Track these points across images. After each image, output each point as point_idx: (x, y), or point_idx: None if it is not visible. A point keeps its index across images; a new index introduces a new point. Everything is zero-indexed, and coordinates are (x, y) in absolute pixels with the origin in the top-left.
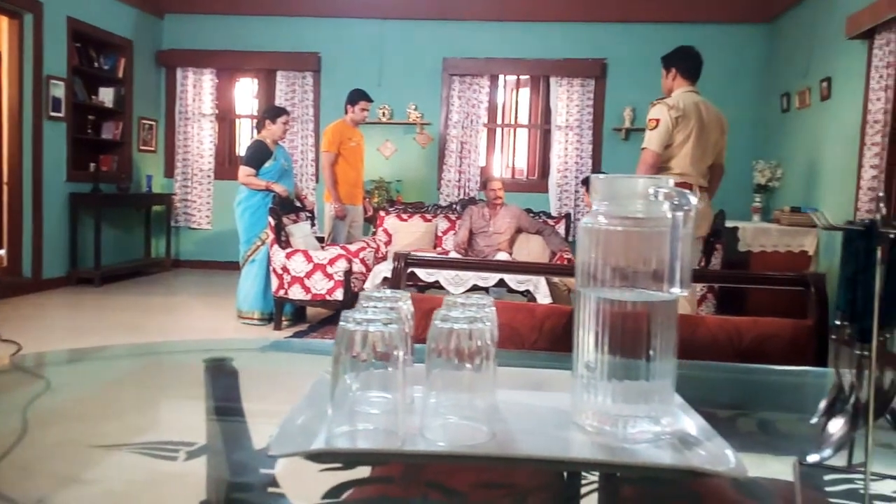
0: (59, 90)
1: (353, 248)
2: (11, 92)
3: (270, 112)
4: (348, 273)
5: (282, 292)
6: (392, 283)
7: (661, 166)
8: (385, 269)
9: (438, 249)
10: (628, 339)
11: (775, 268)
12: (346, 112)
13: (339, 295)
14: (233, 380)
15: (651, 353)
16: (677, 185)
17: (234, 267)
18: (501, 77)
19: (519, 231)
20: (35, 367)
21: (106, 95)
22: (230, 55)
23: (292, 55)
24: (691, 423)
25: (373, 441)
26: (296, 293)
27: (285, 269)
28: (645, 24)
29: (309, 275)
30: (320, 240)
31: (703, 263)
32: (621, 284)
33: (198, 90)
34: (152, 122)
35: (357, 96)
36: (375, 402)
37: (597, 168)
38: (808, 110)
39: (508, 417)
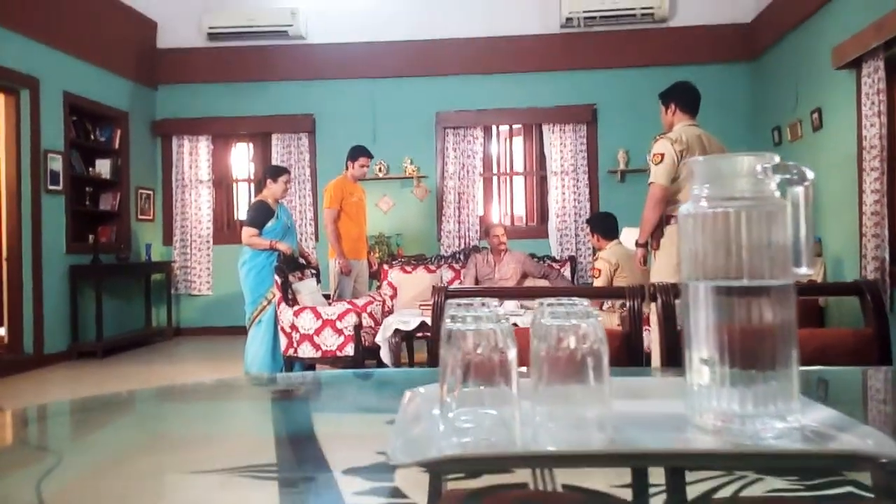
0: (56, 163)
1: (360, 302)
2: (9, 166)
3: (271, 171)
4: (358, 327)
5: (291, 351)
6: (434, 318)
7: (670, 200)
8: (395, 321)
9: None
10: (747, 329)
11: None
12: (347, 168)
13: (349, 350)
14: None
15: (772, 343)
16: None
17: (237, 332)
18: (494, 127)
19: (524, 276)
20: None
21: (103, 167)
22: (224, 121)
23: (286, 118)
24: (820, 416)
25: (493, 449)
26: (305, 351)
27: (294, 326)
28: (632, 69)
29: (318, 331)
30: (326, 297)
31: None
32: (730, 272)
33: (194, 157)
34: (149, 192)
35: (357, 152)
36: (483, 416)
37: (595, 209)
38: (800, 142)
39: (620, 424)
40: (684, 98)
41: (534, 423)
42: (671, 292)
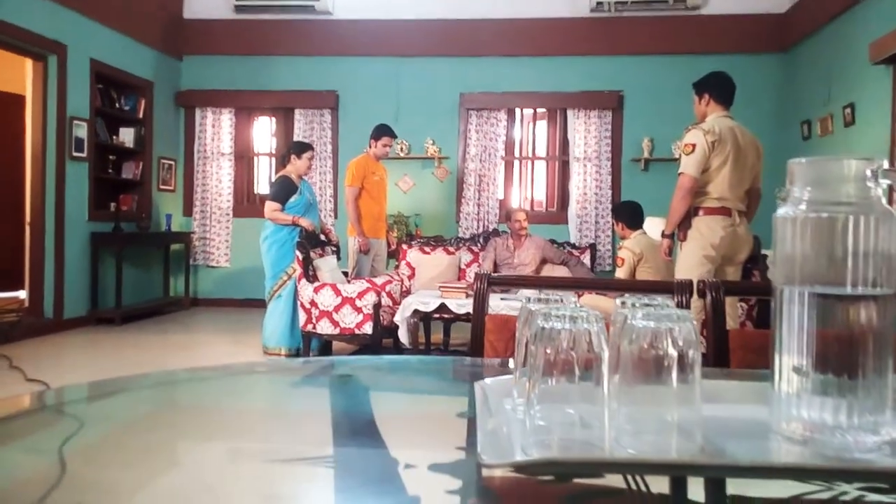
0: (81, 131)
1: (379, 281)
2: (35, 133)
3: (296, 147)
4: (377, 306)
5: (310, 327)
6: (476, 304)
7: (698, 191)
8: (415, 302)
9: (463, 281)
10: (844, 340)
11: None
12: (370, 146)
13: (367, 328)
14: (364, 394)
15: (868, 355)
16: (714, 209)
17: (254, 304)
18: (518, 110)
19: (544, 262)
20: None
21: (126, 135)
22: (248, 95)
23: (310, 93)
24: None
25: (580, 452)
26: (324, 328)
27: (313, 303)
28: (660, 56)
29: (337, 308)
30: (345, 274)
31: None
32: (828, 279)
33: (216, 129)
34: (171, 162)
35: (381, 132)
36: (562, 414)
37: (617, 198)
38: (830, 137)
39: (707, 430)
40: (719, 89)
41: (620, 425)
42: (721, 289)
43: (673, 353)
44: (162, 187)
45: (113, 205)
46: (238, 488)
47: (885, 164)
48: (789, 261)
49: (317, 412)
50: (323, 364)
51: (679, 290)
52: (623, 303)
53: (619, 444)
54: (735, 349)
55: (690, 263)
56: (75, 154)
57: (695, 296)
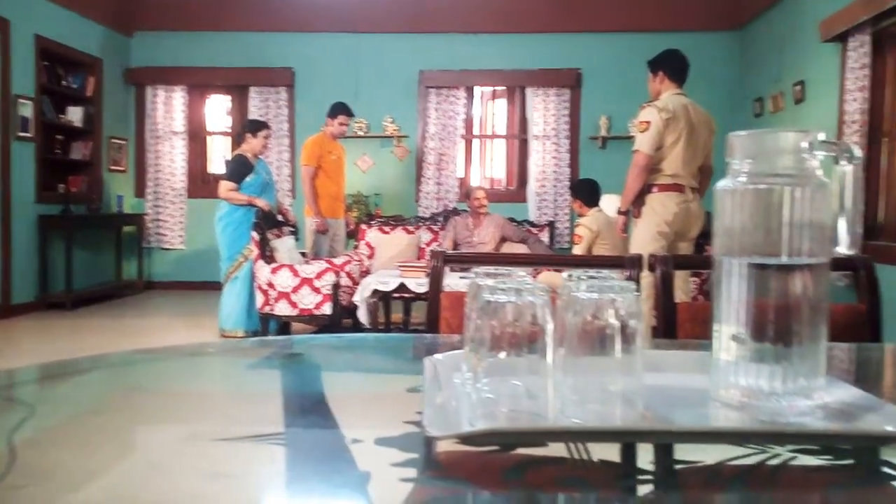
0: (27, 109)
1: (338, 261)
2: None
3: (251, 126)
4: (336, 287)
5: (267, 308)
6: (432, 282)
7: (652, 168)
8: (374, 282)
9: (422, 261)
10: (779, 308)
11: None
12: (326, 125)
13: (327, 309)
14: (315, 372)
15: (803, 322)
16: (668, 186)
17: (209, 287)
18: (478, 88)
19: (503, 240)
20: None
21: (75, 114)
22: (201, 71)
23: (265, 70)
24: (845, 395)
25: (526, 422)
26: (282, 309)
27: (271, 284)
28: (618, 34)
29: (296, 289)
30: (302, 255)
31: None
32: (766, 248)
33: (168, 108)
34: (122, 142)
35: (337, 110)
36: (509, 386)
37: (575, 175)
38: (782, 114)
39: (648, 398)
40: (673, 66)
41: (565, 396)
42: (670, 263)
43: (615, 323)
44: (113, 168)
45: (62, 186)
46: (188, 468)
47: (821, 137)
48: (728, 232)
49: (268, 391)
50: (276, 343)
51: (630, 265)
52: (570, 276)
53: (563, 414)
54: (683, 322)
55: (645, 239)
56: (20, 134)
57: (645, 270)
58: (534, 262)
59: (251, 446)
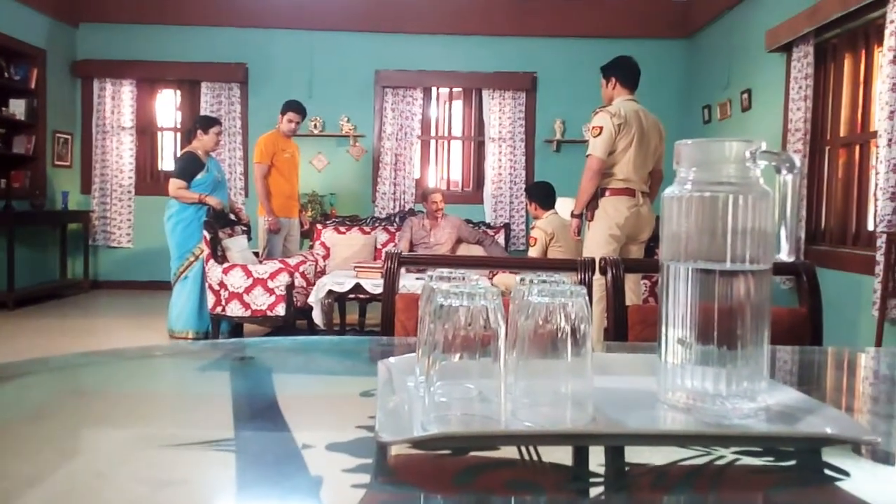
0: None
1: (292, 261)
2: None
3: (202, 122)
4: (290, 287)
5: (219, 309)
6: (387, 284)
7: (605, 173)
8: (329, 282)
9: (379, 261)
10: (723, 313)
11: None
12: (279, 122)
13: (280, 310)
14: (264, 375)
15: (746, 326)
16: (620, 190)
17: (158, 286)
18: (434, 89)
19: (459, 241)
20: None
21: (17, 107)
22: (151, 65)
23: (217, 66)
24: (786, 397)
25: (479, 426)
26: (234, 310)
27: (222, 284)
28: (572, 39)
29: (248, 290)
30: (255, 254)
31: None
32: (711, 255)
33: (116, 102)
34: (67, 136)
35: (287, 107)
36: (461, 389)
37: (530, 178)
38: (729, 121)
39: (599, 401)
40: (625, 73)
41: (517, 399)
42: (621, 266)
43: (566, 327)
44: (58, 163)
45: (3, 181)
46: (133, 475)
47: (763, 147)
48: (675, 238)
49: (217, 395)
50: (226, 346)
51: (582, 268)
52: (522, 279)
53: (515, 417)
54: (634, 324)
55: (597, 242)
56: None
57: (597, 273)
58: (489, 264)
59: (200, 452)
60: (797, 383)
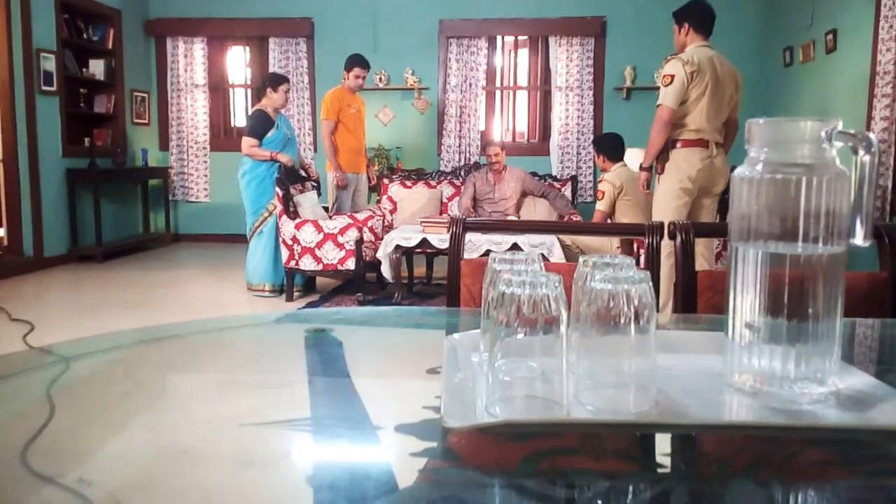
0: (49, 64)
1: (360, 216)
2: (1, 67)
3: (271, 80)
4: (359, 242)
5: (293, 263)
6: (452, 249)
7: (676, 123)
8: (397, 237)
9: (445, 216)
10: (793, 296)
11: None
12: (344, 78)
13: (350, 264)
14: (337, 349)
15: (817, 310)
16: (692, 142)
17: (235, 239)
18: (499, 38)
19: (524, 195)
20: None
21: (96, 68)
22: (220, 23)
23: (284, 21)
24: (859, 381)
25: (540, 411)
26: (307, 264)
27: (295, 239)
28: None
29: (319, 245)
30: (325, 209)
31: (719, 220)
32: (782, 237)
33: (189, 60)
34: (144, 94)
35: (353, 62)
36: (525, 367)
37: (598, 128)
38: (812, 63)
39: (662, 384)
40: (698, 18)
41: (580, 379)
42: (691, 231)
43: (629, 312)
44: (136, 121)
45: (87, 140)
46: (217, 455)
47: (840, 126)
48: (745, 219)
49: (294, 371)
50: (300, 317)
51: (650, 232)
52: (585, 261)
53: (578, 401)
54: (703, 290)
55: (668, 196)
56: (45, 88)
57: (666, 237)
58: (553, 228)
59: (279, 431)
60: (873, 361)
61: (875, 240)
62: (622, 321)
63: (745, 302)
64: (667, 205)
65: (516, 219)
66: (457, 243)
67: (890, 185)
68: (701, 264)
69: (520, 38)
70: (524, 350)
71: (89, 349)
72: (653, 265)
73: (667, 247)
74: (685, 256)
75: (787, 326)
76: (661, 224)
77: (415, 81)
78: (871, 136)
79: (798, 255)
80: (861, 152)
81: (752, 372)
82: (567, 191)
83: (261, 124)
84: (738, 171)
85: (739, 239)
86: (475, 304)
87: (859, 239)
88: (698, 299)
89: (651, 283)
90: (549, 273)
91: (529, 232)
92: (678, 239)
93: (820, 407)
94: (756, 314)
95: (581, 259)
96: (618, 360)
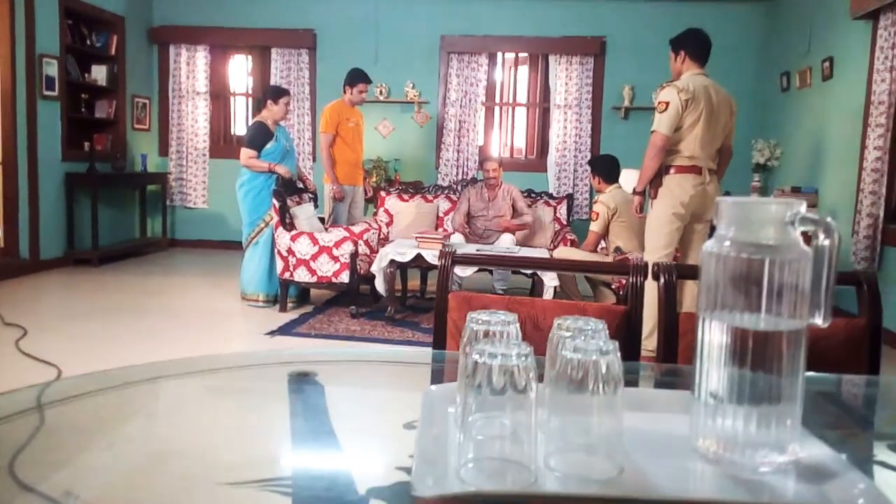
0: (52, 68)
1: (356, 229)
2: (4, 71)
3: (272, 92)
4: (354, 255)
5: (287, 274)
6: (440, 280)
7: (670, 149)
8: (391, 252)
9: (440, 230)
10: (756, 368)
11: None
12: (345, 92)
13: (345, 277)
14: (319, 397)
15: (778, 382)
16: (685, 168)
17: (231, 246)
18: (500, 55)
19: (516, 212)
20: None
21: (99, 73)
22: (223, 32)
23: (287, 32)
24: (818, 452)
25: (510, 476)
26: (301, 275)
27: (290, 251)
28: (643, 2)
29: (314, 257)
30: (321, 220)
31: None
32: (747, 310)
33: (191, 67)
34: (146, 101)
35: (356, 78)
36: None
37: (596, 146)
38: (808, 90)
39: (630, 446)
40: (695, 46)
41: (550, 439)
42: (674, 273)
43: (598, 382)
44: (137, 126)
45: (87, 144)
46: None
47: (803, 210)
48: (712, 291)
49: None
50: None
51: (634, 272)
52: (560, 325)
53: (547, 466)
54: (685, 332)
55: (661, 220)
56: (46, 93)
57: (650, 277)
58: (541, 266)
59: (257, 493)
60: (832, 426)
61: (854, 286)
62: (591, 387)
63: (711, 370)
64: (659, 229)
65: (512, 235)
66: (445, 278)
67: (882, 213)
68: (686, 304)
69: (520, 55)
70: (497, 406)
71: (62, 394)
72: (635, 304)
73: (648, 292)
74: (668, 298)
75: (750, 396)
76: (646, 265)
77: (415, 95)
78: (831, 221)
79: (760, 330)
80: (821, 237)
81: (716, 437)
82: (563, 209)
83: (260, 136)
84: (707, 245)
85: (707, 308)
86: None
87: (818, 319)
88: (680, 340)
89: (619, 354)
90: (521, 343)
91: (518, 267)
92: (661, 280)
93: (780, 478)
94: (720, 383)
95: (556, 321)
96: (587, 422)
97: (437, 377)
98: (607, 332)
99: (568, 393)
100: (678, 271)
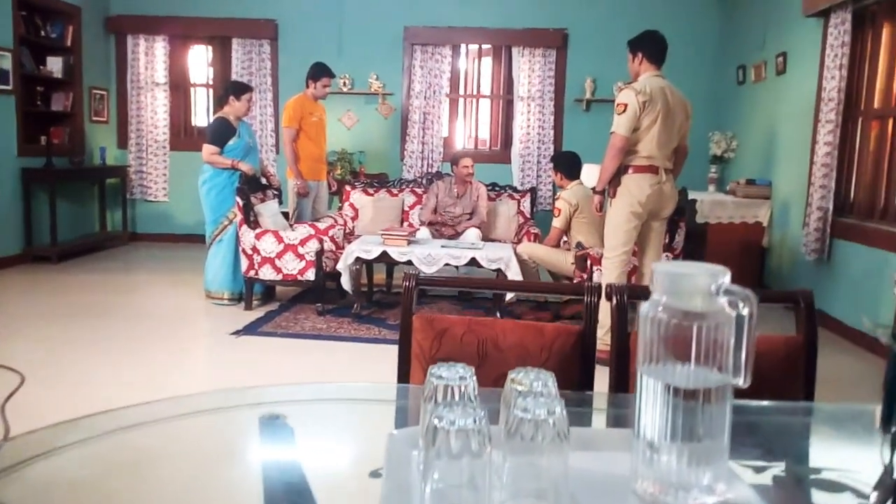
0: (5, 61)
1: (321, 226)
2: None
3: (234, 88)
4: (320, 253)
5: (252, 272)
6: (404, 307)
7: (628, 150)
8: (357, 249)
9: (405, 224)
10: (687, 419)
11: (732, 239)
12: (308, 86)
13: (310, 275)
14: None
15: (707, 430)
16: (643, 168)
17: (193, 240)
18: (463, 46)
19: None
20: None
21: (54, 65)
22: (183, 21)
23: (248, 22)
24: (743, 495)
25: None
26: (266, 273)
27: (255, 249)
28: None
29: (280, 255)
30: (285, 215)
31: (667, 241)
32: (680, 366)
33: (150, 58)
34: (103, 92)
35: (319, 72)
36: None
37: (559, 138)
38: (763, 84)
39: (575, 489)
40: (652, 49)
41: (505, 487)
42: (625, 293)
43: (546, 437)
44: (95, 119)
45: (44, 138)
46: None
47: (726, 282)
48: (648, 349)
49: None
50: (256, 399)
51: (589, 293)
52: (513, 379)
53: None
54: (636, 350)
55: (620, 218)
56: (0, 87)
57: (603, 298)
58: (505, 287)
59: None
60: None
61: (792, 304)
62: (540, 440)
63: (647, 423)
64: (618, 227)
65: (477, 229)
66: (409, 299)
67: (831, 207)
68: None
69: (483, 46)
70: (456, 458)
71: (31, 451)
72: (589, 323)
73: (602, 311)
74: (620, 319)
75: (681, 443)
76: (599, 286)
77: (379, 87)
78: (750, 294)
79: (690, 389)
80: (741, 305)
81: (653, 479)
82: (526, 202)
83: (222, 132)
84: (644, 307)
85: (644, 362)
86: (425, 361)
87: (740, 380)
88: (632, 360)
89: (565, 412)
90: (476, 410)
91: (478, 288)
92: (614, 301)
93: None
94: (655, 433)
95: (510, 375)
96: (537, 468)
97: (402, 416)
98: (556, 386)
99: (519, 444)
100: (630, 292)
